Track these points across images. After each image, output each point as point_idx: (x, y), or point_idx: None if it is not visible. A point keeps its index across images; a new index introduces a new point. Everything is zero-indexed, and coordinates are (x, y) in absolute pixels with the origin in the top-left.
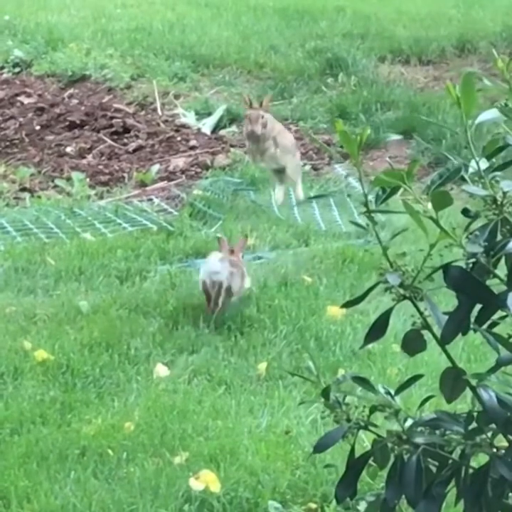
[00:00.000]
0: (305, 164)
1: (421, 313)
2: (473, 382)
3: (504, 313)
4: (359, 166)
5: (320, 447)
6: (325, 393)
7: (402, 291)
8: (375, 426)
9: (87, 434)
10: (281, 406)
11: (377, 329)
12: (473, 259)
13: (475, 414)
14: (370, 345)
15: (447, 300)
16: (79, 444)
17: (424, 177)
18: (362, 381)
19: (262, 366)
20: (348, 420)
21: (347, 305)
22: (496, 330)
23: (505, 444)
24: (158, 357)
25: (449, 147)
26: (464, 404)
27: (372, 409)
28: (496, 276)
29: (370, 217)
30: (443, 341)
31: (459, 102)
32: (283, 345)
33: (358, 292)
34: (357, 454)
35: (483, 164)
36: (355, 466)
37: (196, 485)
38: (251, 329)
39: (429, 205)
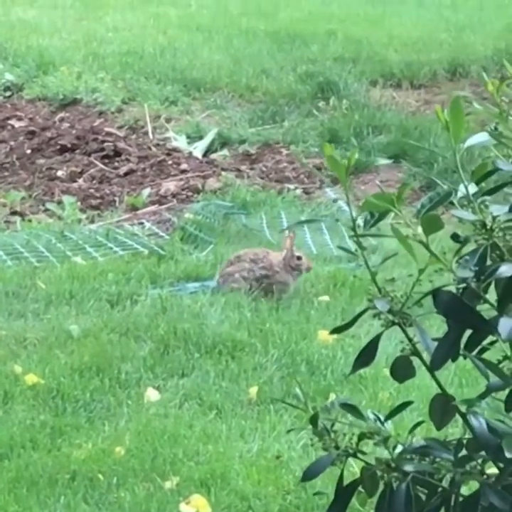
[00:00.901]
0: (296, 188)
1: (410, 340)
2: (463, 408)
3: (494, 339)
4: (348, 190)
5: (309, 475)
6: (313, 420)
7: (390, 317)
8: (364, 453)
9: (77, 459)
10: (272, 430)
11: (367, 355)
12: (463, 285)
13: (465, 441)
14: (361, 370)
15: (438, 325)
16: (69, 469)
17: (415, 201)
18: (350, 408)
19: (253, 390)
20: (337, 448)
21: (336, 331)
22: (485, 355)
23: (496, 471)
24: (149, 381)
25: (441, 171)
26: (455, 428)
27: (361, 437)
28: (486, 301)
29: (358, 241)
30: (433, 368)
31: (447, 126)
32: (274, 369)
33: (349, 317)
34: (347, 480)
35: (473, 189)
36: (344, 493)
37: (187, 510)
38: (242, 353)
39: (420, 229)
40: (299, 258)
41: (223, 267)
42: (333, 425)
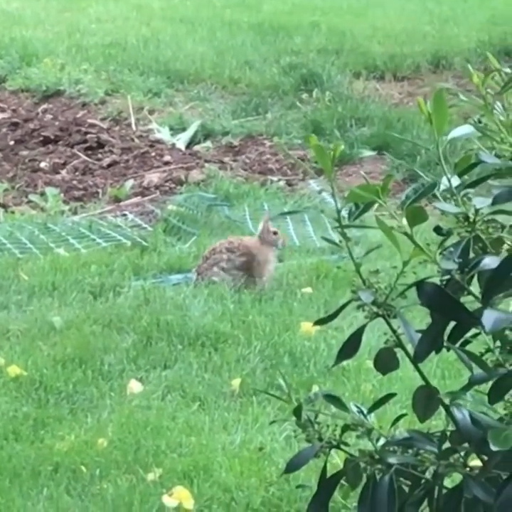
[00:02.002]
0: (279, 180)
1: (394, 331)
2: (447, 400)
3: (477, 331)
4: (333, 181)
5: (291, 467)
6: (296, 412)
7: (375, 308)
8: (347, 445)
9: (60, 451)
10: (255, 422)
11: (350, 347)
12: (447, 277)
13: (448, 433)
14: (344, 362)
15: (421, 317)
16: (52, 461)
17: (398, 193)
18: (334, 399)
19: (236, 382)
20: (320, 439)
21: (319, 322)
22: (469, 348)
23: (479, 463)
24: (132, 372)
25: (424, 163)
26: (438, 420)
27: (345, 429)
28: (470, 293)
29: (343, 233)
30: (416, 359)
31: (430, 119)
32: (257, 361)
33: (333, 308)
34: (330, 472)
35: (455, 181)
36: (327, 485)
37: (170, 502)
38: (225, 345)
39: (404, 221)
40: (274, 233)
41: (200, 263)
42: (316, 417)
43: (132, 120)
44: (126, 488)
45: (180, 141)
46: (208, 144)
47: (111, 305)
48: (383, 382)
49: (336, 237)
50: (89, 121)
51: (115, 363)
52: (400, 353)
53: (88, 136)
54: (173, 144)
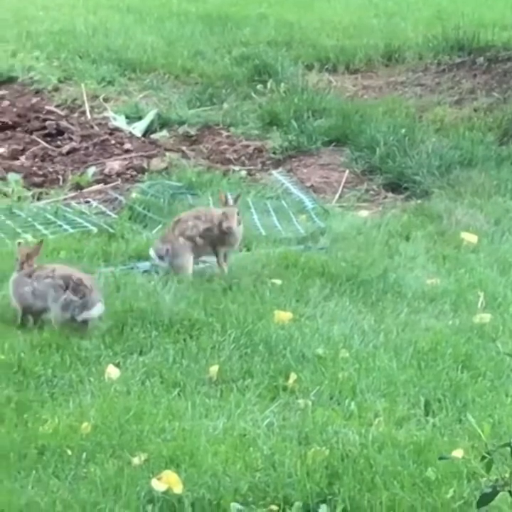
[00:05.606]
0: (240, 169)
1: None
2: None
3: None
4: None
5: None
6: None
7: None
8: None
9: (44, 434)
10: (236, 408)
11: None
12: None
13: None
14: (319, 351)
15: None
16: (37, 444)
17: (358, 185)
18: None
19: (213, 369)
20: None
21: None
22: None
23: None
24: (109, 358)
25: (383, 155)
26: None
27: None
28: None
29: None
30: None
31: None
32: (232, 348)
33: (304, 298)
34: None
35: None
36: None
37: (158, 486)
38: (200, 332)
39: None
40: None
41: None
42: None
43: (87, 108)
44: (114, 472)
45: (137, 129)
46: (165, 132)
47: None
48: (360, 371)
49: (300, 228)
50: (47, 107)
51: (92, 348)
52: (371, 342)
53: (47, 122)
54: (130, 132)
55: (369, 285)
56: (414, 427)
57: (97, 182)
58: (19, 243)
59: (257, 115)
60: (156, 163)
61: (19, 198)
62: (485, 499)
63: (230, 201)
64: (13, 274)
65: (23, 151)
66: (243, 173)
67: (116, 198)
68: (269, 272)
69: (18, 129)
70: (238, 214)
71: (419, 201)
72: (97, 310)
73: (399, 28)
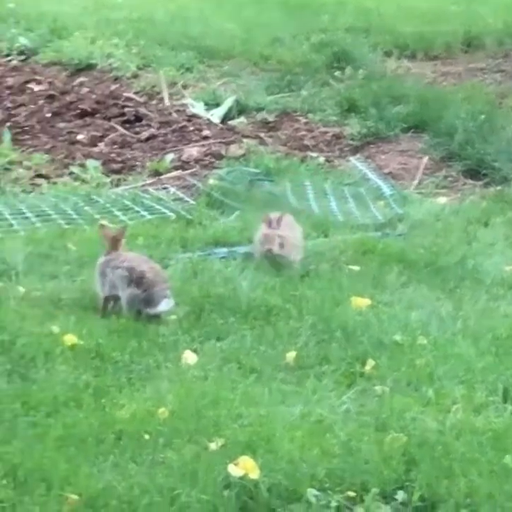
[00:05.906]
0: (318, 156)
1: None
2: None
3: None
4: None
5: None
6: None
7: None
8: None
9: (122, 419)
10: (312, 394)
11: None
12: None
13: None
14: (397, 337)
15: None
16: (114, 429)
17: (436, 171)
18: None
19: (291, 355)
20: None
21: None
22: None
23: None
24: (186, 344)
25: (461, 142)
26: None
27: None
28: None
29: None
30: None
31: None
32: (309, 334)
33: (381, 284)
34: None
35: None
36: None
37: (235, 471)
38: (277, 318)
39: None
40: None
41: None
42: None
43: (165, 95)
44: (191, 457)
45: (215, 116)
46: (243, 119)
47: None
48: (438, 357)
49: (378, 214)
50: (126, 94)
51: (169, 333)
52: (449, 329)
53: (126, 109)
54: (208, 119)
55: (447, 272)
56: (492, 414)
57: (175, 168)
58: (101, 225)
59: (335, 102)
60: (234, 150)
61: (98, 184)
62: None
63: (274, 223)
64: (101, 257)
65: (102, 138)
66: (321, 159)
67: (194, 185)
68: (346, 258)
69: (97, 115)
70: (280, 237)
71: (498, 188)
72: (162, 307)
73: (478, 14)
